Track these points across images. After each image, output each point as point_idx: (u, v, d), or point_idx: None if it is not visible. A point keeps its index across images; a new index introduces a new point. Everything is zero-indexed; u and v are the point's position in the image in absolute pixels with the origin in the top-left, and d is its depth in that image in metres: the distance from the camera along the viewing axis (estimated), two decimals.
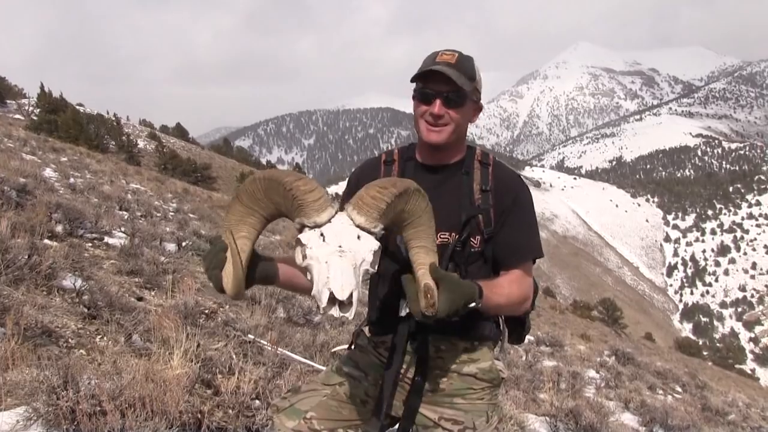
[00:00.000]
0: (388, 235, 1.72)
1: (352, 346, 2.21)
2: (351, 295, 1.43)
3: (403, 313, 1.94)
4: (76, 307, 3.96)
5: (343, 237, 1.52)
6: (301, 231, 1.58)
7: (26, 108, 41.71)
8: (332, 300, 1.43)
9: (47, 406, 2.51)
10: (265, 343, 4.61)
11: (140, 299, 4.79)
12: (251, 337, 4.67)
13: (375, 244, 1.57)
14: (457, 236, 1.96)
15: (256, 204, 1.65)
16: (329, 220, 1.56)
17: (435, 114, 1.96)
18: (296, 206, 1.58)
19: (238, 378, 3.50)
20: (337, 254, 1.48)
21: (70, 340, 3.45)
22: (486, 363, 2.06)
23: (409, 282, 1.68)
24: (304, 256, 1.53)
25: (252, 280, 1.73)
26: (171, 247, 7.52)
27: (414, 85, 2.05)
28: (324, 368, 4.02)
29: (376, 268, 1.59)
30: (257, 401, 3.46)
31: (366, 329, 2.17)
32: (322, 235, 1.53)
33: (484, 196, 2.00)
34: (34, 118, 34.90)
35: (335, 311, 1.44)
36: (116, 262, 5.64)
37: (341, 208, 1.62)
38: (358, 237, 1.55)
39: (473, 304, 1.71)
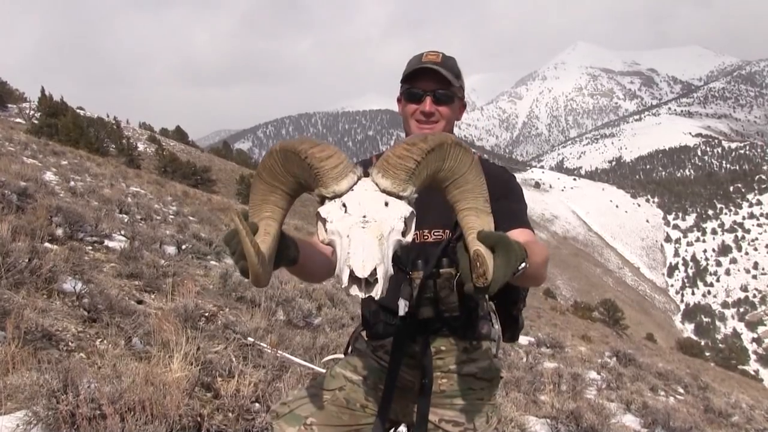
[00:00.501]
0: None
1: (350, 350, 2.19)
2: (375, 271, 1.27)
3: (402, 313, 1.91)
4: (76, 310, 3.96)
5: (367, 205, 1.38)
6: (321, 203, 1.45)
7: (27, 112, 41.71)
8: (355, 278, 1.28)
9: (47, 410, 2.50)
10: (265, 345, 4.61)
11: (140, 302, 4.79)
12: (251, 340, 4.67)
13: (406, 210, 1.42)
14: (450, 233, 1.97)
15: (277, 179, 1.56)
16: (351, 188, 1.42)
17: (426, 111, 1.99)
18: (314, 176, 1.45)
19: (237, 381, 3.49)
20: (360, 225, 1.33)
21: (70, 343, 3.45)
22: (485, 362, 2.05)
23: (461, 252, 1.46)
24: (326, 232, 1.40)
25: (279, 262, 1.61)
26: (171, 250, 7.52)
27: (399, 91, 2.08)
28: (324, 371, 4.02)
29: (411, 238, 1.44)
30: (257, 404, 3.45)
31: (363, 333, 2.14)
32: (344, 205, 1.39)
33: None
34: (35, 121, 34.92)
35: (357, 290, 1.29)
36: (116, 265, 5.64)
37: (365, 174, 1.47)
38: (386, 204, 1.40)
39: (522, 266, 1.48)
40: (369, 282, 1.29)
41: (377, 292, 1.29)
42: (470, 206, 1.55)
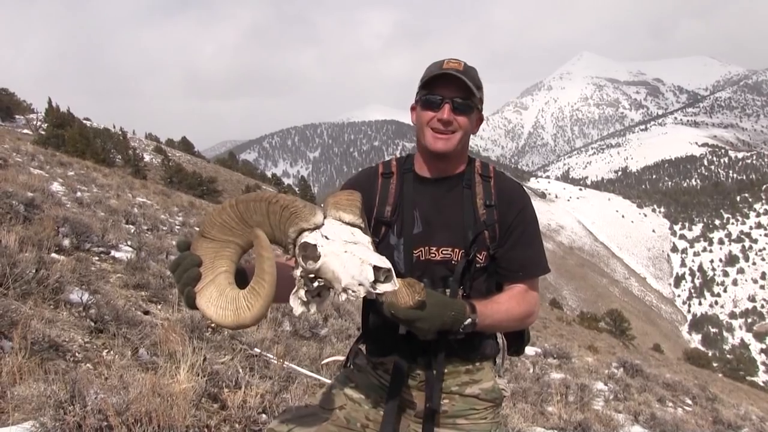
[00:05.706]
0: None
1: (349, 365, 2.14)
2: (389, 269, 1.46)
3: (403, 331, 1.87)
4: (83, 320, 3.97)
5: (342, 234, 1.53)
6: (296, 238, 1.54)
7: (34, 123, 41.98)
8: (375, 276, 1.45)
9: (54, 421, 2.50)
10: (272, 356, 4.61)
11: (147, 313, 4.80)
12: (258, 350, 4.66)
13: (368, 237, 1.58)
14: (461, 252, 1.92)
15: (232, 233, 1.57)
16: (323, 222, 1.55)
17: (444, 120, 1.90)
18: (289, 215, 1.53)
19: (244, 392, 3.48)
20: (352, 243, 1.50)
21: (77, 354, 3.45)
22: (488, 383, 2.02)
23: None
24: (315, 258, 1.49)
25: None
26: None
27: (414, 98, 2.02)
28: (330, 381, 4.01)
29: None
30: (264, 415, 3.44)
31: (363, 348, 2.10)
32: (324, 236, 1.52)
33: (489, 211, 1.95)
34: (42, 132, 35.12)
35: (386, 285, 1.45)
36: (123, 275, 5.65)
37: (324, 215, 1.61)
38: (352, 233, 1.55)
39: (468, 321, 1.69)
40: (384, 277, 1.47)
41: (396, 282, 1.46)
42: None
